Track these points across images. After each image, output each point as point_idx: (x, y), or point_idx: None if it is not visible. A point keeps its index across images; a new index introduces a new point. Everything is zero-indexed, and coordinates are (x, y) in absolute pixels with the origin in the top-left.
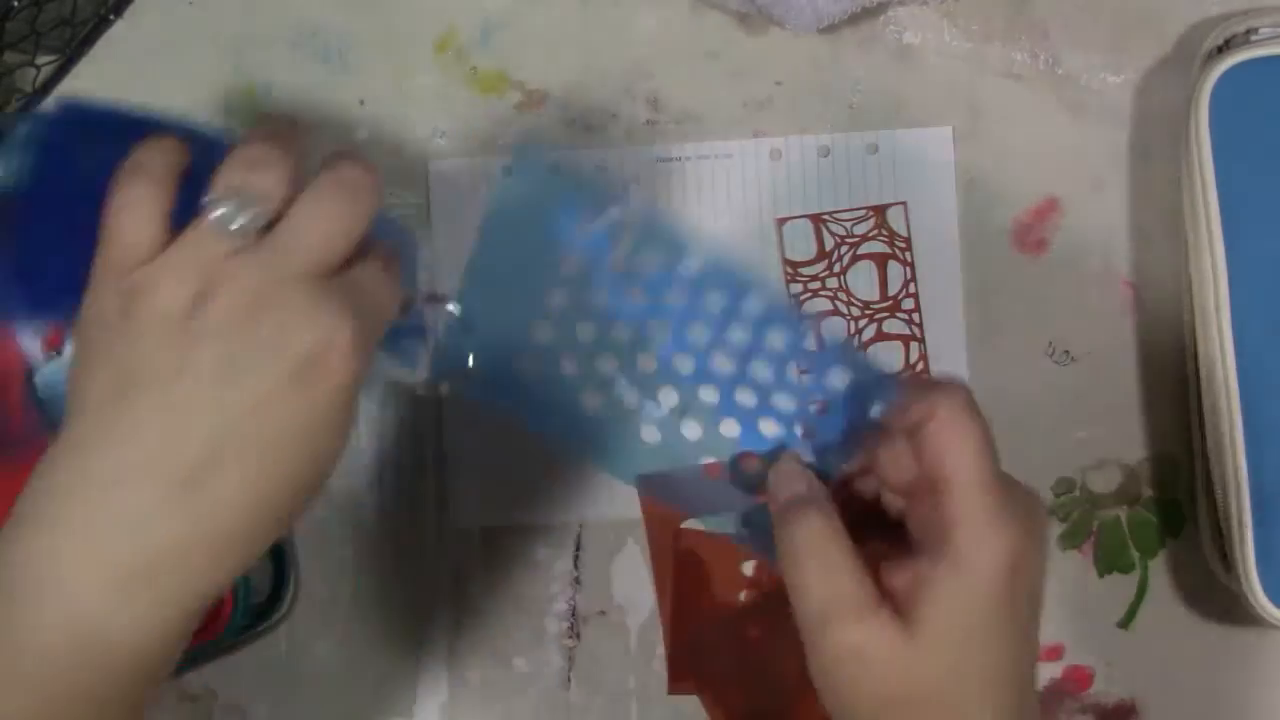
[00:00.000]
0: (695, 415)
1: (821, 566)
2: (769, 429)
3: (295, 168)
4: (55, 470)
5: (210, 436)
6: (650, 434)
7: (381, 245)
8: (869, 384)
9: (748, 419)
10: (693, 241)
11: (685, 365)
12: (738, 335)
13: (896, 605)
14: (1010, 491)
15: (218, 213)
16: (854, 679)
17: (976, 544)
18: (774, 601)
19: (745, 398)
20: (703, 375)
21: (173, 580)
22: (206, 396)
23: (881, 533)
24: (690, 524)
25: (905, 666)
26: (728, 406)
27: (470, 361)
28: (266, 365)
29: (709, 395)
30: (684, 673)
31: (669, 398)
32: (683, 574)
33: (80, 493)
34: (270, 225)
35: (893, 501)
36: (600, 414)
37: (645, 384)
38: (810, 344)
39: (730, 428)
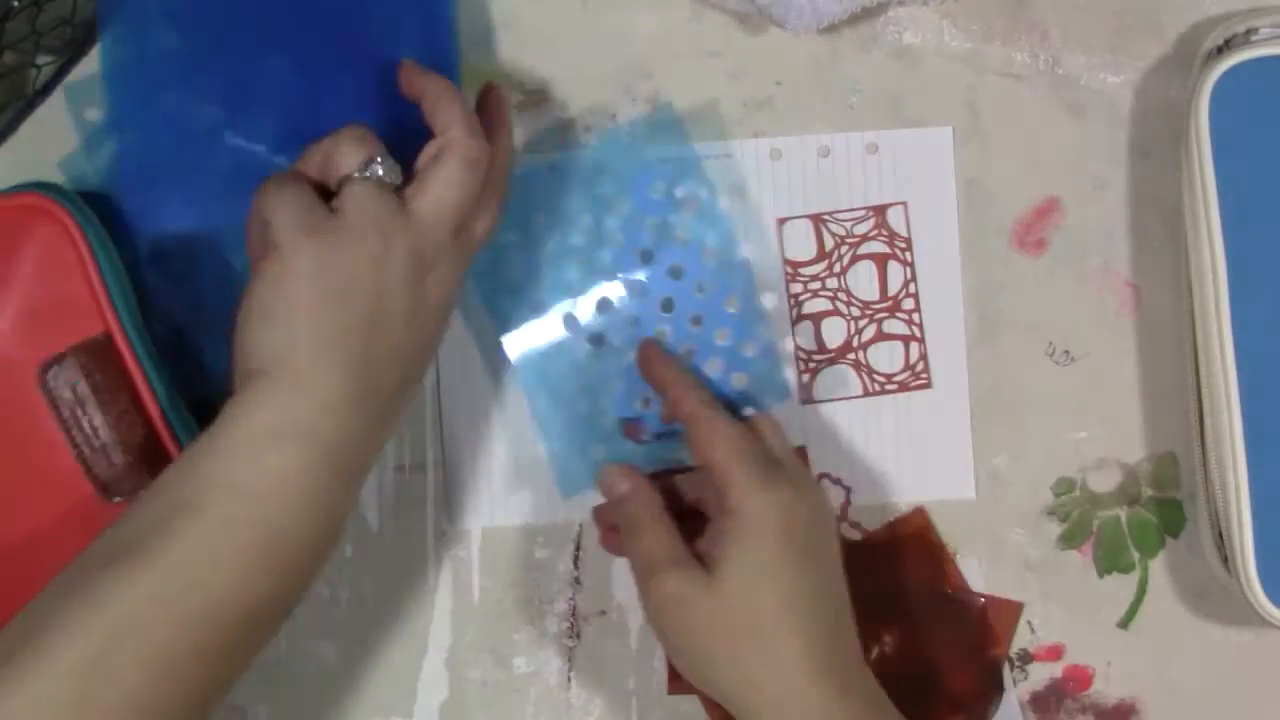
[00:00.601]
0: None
1: (646, 535)
2: (638, 405)
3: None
4: (273, 402)
5: (401, 366)
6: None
7: (495, 174)
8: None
9: (632, 389)
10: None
11: (645, 319)
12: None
13: (705, 563)
14: (772, 465)
15: (372, 172)
16: (675, 618)
17: (746, 500)
18: None
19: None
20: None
21: (368, 461)
22: (400, 341)
23: (698, 523)
24: None
25: (711, 603)
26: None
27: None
28: (430, 314)
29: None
30: None
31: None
32: None
33: (302, 415)
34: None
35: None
36: (550, 330)
37: (607, 326)
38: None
39: (621, 386)
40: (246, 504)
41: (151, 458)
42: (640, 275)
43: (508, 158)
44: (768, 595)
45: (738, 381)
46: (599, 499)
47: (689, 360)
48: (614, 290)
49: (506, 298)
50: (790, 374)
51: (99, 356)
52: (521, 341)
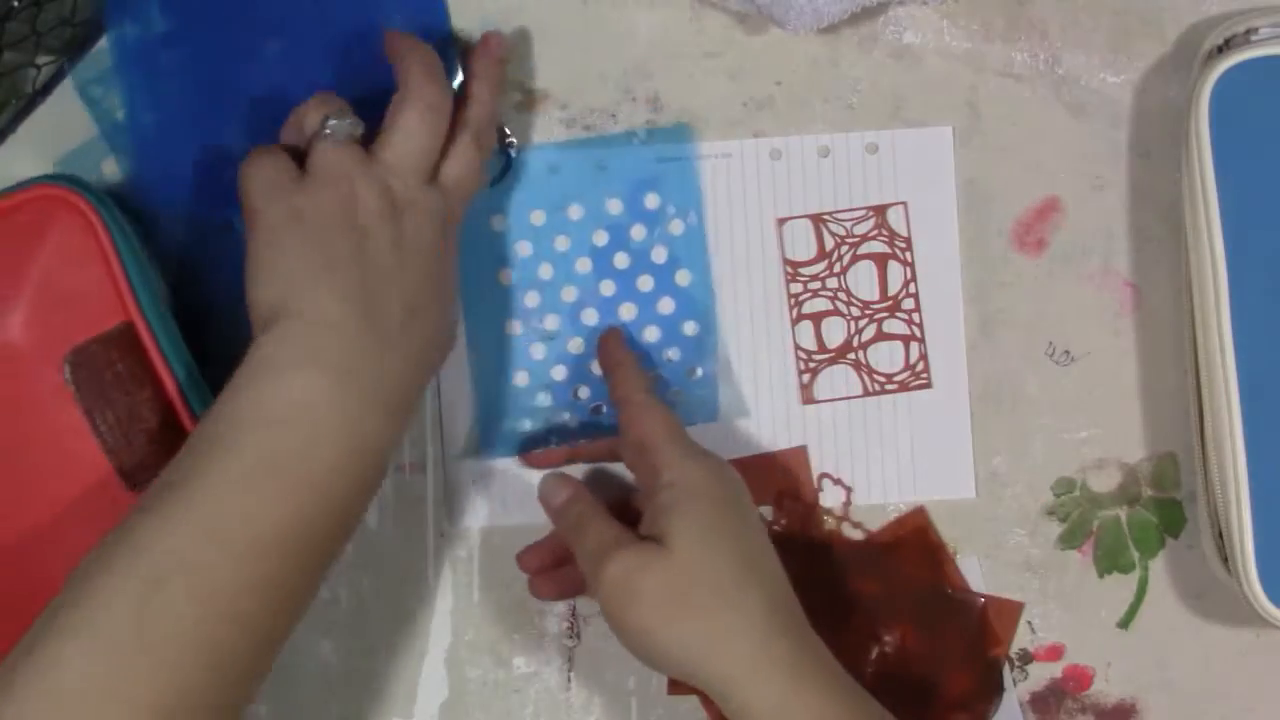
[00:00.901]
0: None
1: (591, 529)
2: (571, 395)
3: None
4: (285, 335)
5: (402, 297)
6: (522, 378)
7: (467, 120)
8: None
9: (572, 377)
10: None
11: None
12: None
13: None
14: (695, 443)
15: (331, 127)
16: (632, 594)
17: (681, 470)
18: None
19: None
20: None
21: (395, 392)
22: (393, 265)
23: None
24: None
25: (667, 572)
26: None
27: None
28: (422, 242)
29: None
30: None
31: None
32: None
33: (312, 341)
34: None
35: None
36: (510, 307)
37: (564, 316)
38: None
39: (560, 373)
40: (277, 433)
41: (175, 445)
42: (609, 279)
43: (483, 104)
44: (722, 554)
45: (674, 395)
46: (514, 464)
47: None
48: (581, 287)
49: (480, 273)
50: (724, 396)
51: (121, 345)
52: (480, 311)
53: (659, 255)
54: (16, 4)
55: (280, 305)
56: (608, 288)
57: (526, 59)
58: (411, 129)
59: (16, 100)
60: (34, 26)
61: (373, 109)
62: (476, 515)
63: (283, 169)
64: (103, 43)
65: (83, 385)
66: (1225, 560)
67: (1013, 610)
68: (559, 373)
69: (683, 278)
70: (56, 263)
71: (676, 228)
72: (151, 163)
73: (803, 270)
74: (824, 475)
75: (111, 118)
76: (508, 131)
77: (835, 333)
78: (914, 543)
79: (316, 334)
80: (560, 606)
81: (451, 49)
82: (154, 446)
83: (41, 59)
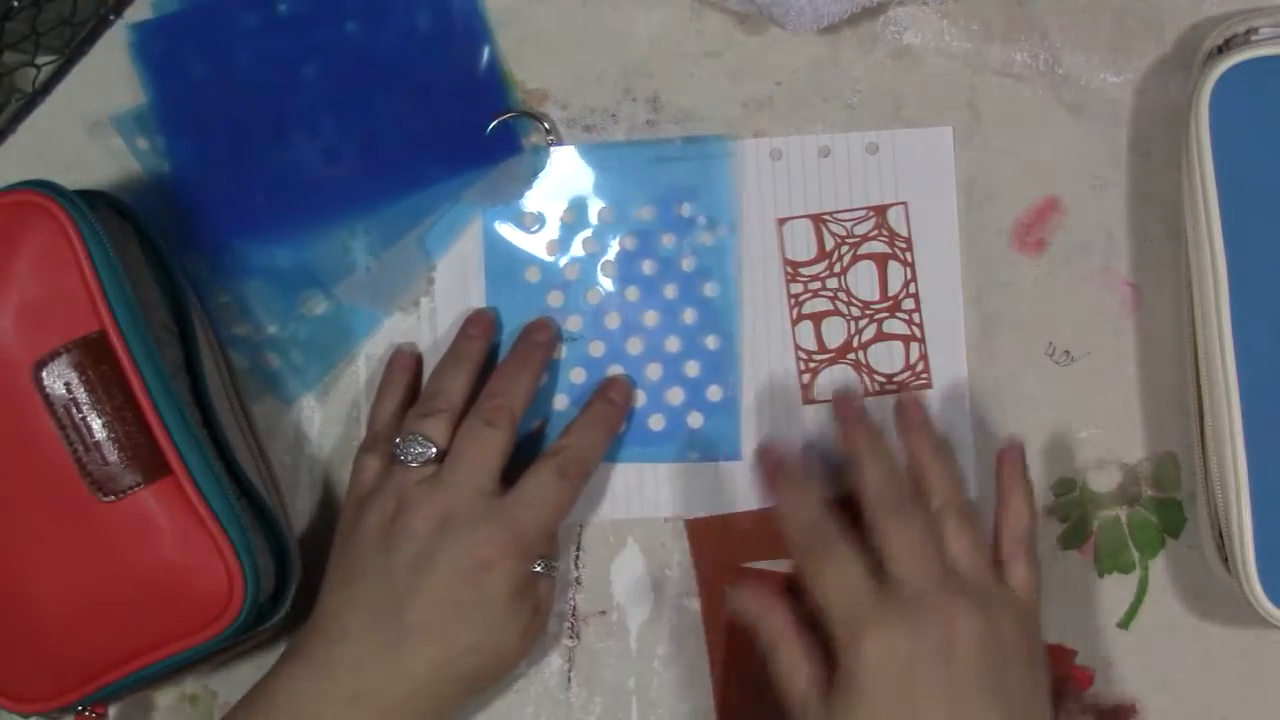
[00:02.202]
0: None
1: (790, 646)
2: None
3: (457, 415)
4: (303, 630)
5: (407, 612)
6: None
7: (557, 449)
8: None
9: (589, 380)
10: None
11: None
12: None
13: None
14: (886, 594)
15: (399, 454)
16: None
17: (844, 652)
18: None
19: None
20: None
21: (379, 710)
22: (404, 583)
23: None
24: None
25: None
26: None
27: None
28: (445, 564)
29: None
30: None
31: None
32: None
33: (320, 644)
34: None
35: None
36: (530, 301)
37: (585, 317)
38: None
39: (579, 375)
40: (269, 714)
41: (145, 456)
42: (635, 285)
43: (578, 441)
44: None
45: (693, 421)
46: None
47: (651, 381)
48: (605, 290)
49: (508, 269)
50: (747, 433)
51: (93, 354)
52: (504, 306)
53: (687, 265)
54: (16, 4)
55: (317, 604)
56: (632, 294)
57: (527, 59)
58: (465, 455)
59: (16, 100)
60: (34, 26)
61: (409, 141)
62: None
63: (370, 476)
64: (144, 96)
65: (53, 393)
66: (1225, 560)
67: (1065, 657)
68: (578, 375)
69: (709, 290)
70: (30, 269)
71: (707, 239)
72: (196, 199)
73: (803, 270)
74: None
75: (158, 165)
76: (547, 126)
77: (835, 333)
78: None
79: (317, 635)
80: (560, 606)
81: (497, 73)
82: (124, 456)
83: (41, 59)
